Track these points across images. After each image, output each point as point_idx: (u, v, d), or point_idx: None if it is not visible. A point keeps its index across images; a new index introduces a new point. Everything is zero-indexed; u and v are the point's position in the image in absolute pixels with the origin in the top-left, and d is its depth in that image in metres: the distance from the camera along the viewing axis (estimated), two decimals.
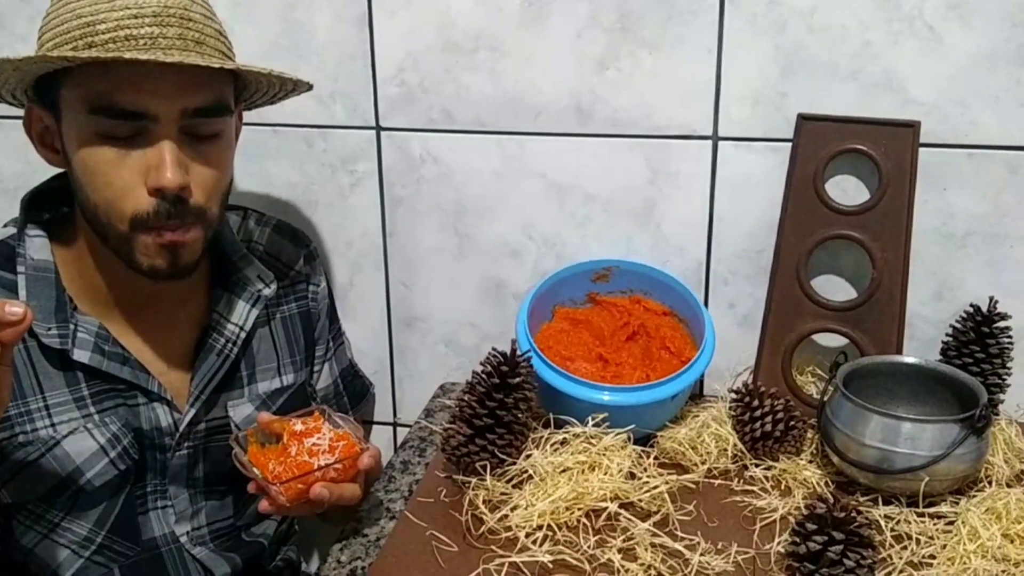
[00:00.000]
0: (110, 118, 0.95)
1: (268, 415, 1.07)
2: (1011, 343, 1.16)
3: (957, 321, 1.18)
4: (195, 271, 1.06)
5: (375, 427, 1.47)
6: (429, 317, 1.40)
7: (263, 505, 1.01)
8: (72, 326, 1.04)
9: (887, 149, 1.17)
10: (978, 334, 1.15)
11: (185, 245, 1.01)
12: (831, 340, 1.25)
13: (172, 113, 0.97)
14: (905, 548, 0.97)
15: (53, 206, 1.11)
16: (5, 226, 1.10)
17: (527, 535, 0.99)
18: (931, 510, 1.02)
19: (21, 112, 1.07)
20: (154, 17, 0.95)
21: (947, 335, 1.19)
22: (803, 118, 1.19)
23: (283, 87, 1.12)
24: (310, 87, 1.11)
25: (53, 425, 1.04)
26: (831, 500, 0.93)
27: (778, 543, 0.99)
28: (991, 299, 1.16)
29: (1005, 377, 1.16)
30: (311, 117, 1.33)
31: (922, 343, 1.23)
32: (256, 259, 1.19)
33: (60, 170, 1.08)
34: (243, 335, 1.15)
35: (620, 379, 1.19)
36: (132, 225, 0.98)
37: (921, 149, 1.17)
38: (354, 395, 1.37)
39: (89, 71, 0.95)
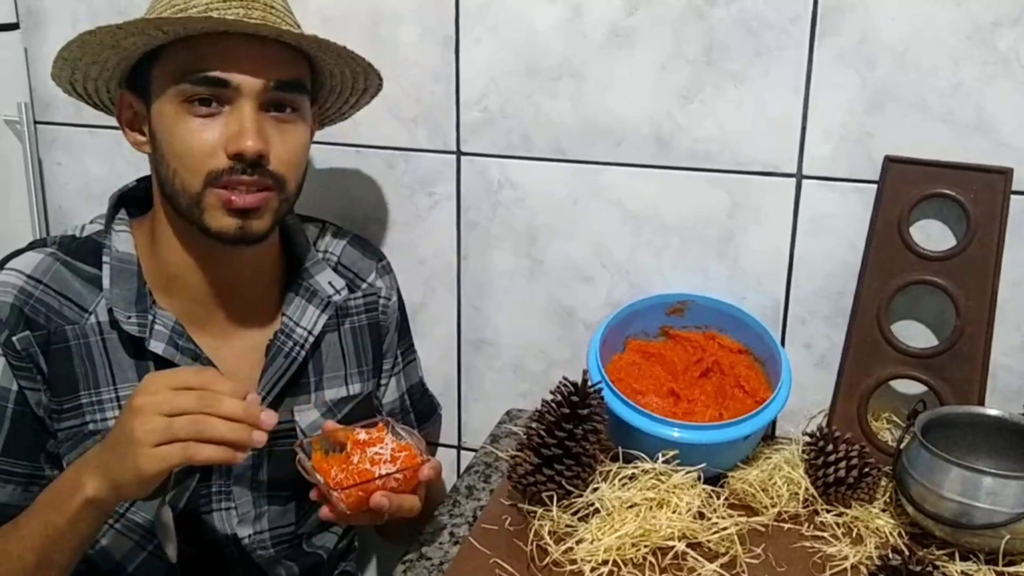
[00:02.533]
0: (195, 84, 1.01)
1: (334, 423, 1.09)
2: None
3: None
4: (264, 240, 1.09)
5: (439, 449, 1.47)
6: (498, 340, 1.40)
7: (324, 511, 1.02)
8: (151, 317, 1.08)
9: (976, 195, 1.14)
10: None
11: (256, 211, 1.04)
12: (909, 387, 1.22)
13: (255, 84, 1.02)
14: None
15: (137, 206, 1.15)
16: (92, 222, 1.14)
17: (592, 570, 0.98)
18: (1011, 569, 0.99)
19: (106, 121, 1.11)
20: (241, 0, 1.01)
21: None
22: (890, 160, 1.17)
23: (354, 87, 1.17)
24: (380, 84, 1.16)
25: None
26: (907, 552, 0.91)
27: None
28: None
29: None
30: (393, 139, 1.35)
31: (1005, 395, 1.19)
32: (329, 267, 1.21)
33: (143, 175, 1.14)
34: (311, 339, 1.17)
35: (692, 416, 1.18)
36: (206, 181, 1.03)
37: (1013, 196, 1.14)
38: (421, 413, 1.37)
39: (181, 46, 1.01)
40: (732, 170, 1.23)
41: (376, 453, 1.02)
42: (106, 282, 1.08)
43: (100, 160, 1.50)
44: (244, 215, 1.04)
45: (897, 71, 1.15)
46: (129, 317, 1.07)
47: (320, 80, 1.14)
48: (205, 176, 1.02)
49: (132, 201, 1.15)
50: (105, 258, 1.09)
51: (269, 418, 0.93)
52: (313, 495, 1.03)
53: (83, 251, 1.10)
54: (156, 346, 1.07)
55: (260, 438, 0.92)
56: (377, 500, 0.99)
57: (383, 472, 1.00)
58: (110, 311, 1.07)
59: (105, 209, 1.14)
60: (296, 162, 1.08)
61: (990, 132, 1.14)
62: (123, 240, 1.11)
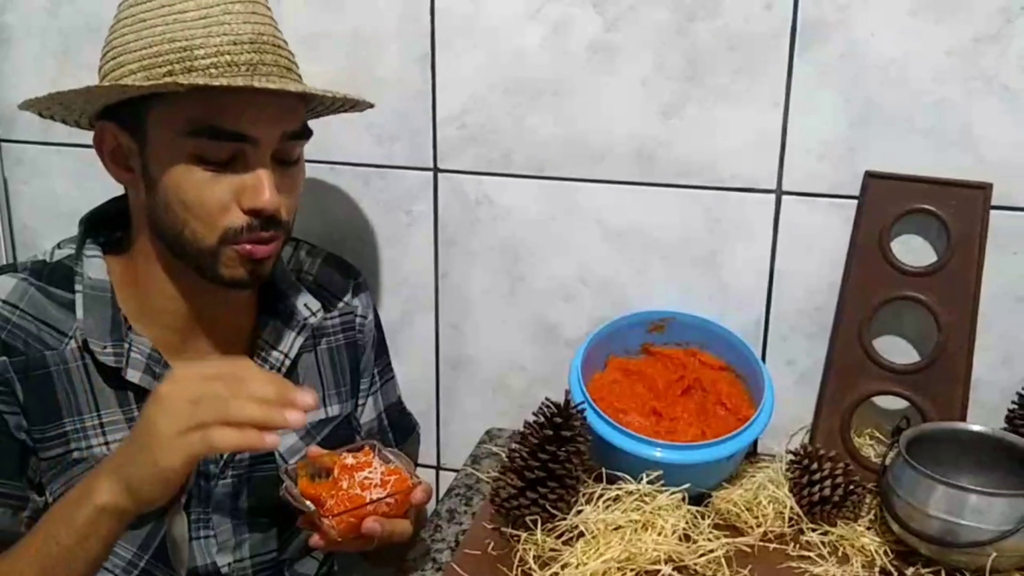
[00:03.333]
0: (211, 139, 0.98)
1: (318, 449, 1.07)
2: None
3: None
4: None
5: (419, 470, 1.45)
6: (478, 359, 1.39)
7: (314, 540, 1.00)
8: (126, 345, 1.05)
9: (957, 210, 1.15)
10: None
11: (269, 258, 1.05)
12: (891, 403, 1.22)
13: (272, 137, 1.00)
14: None
15: (109, 229, 1.12)
16: (60, 246, 1.11)
17: None
18: None
19: (77, 139, 1.07)
20: (251, 44, 0.98)
21: (1013, 403, 1.15)
22: (870, 175, 1.17)
23: (343, 106, 1.15)
24: (370, 105, 1.14)
25: (107, 443, 1.04)
26: (894, 573, 0.90)
27: None
28: None
29: None
30: (370, 156, 1.33)
31: (987, 410, 1.19)
32: (305, 288, 1.19)
33: (116, 194, 1.11)
34: (287, 362, 1.15)
35: (674, 434, 1.17)
36: (222, 239, 1.01)
37: (992, 211, 1.14)
38: (399, 433, 1.35)
39: (190, 95, 0.96)
40: (713, 186, 1.23)
41: (366, 478, 1.00)
42: (79, 311, 1.05)
43: (68, 179, 1.47)
44: (257, 263, 1.03)
45: (878, 87, 1.15)
46: (104, 347, 1.04)
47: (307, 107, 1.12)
48: (221, 233, 1.00)
49: (102, 223, 1.12)
50: (78, 286, 1.06)
51: (308, 397, 0.87)
52: (301, 523, 1.01)
53: (54, 277, 1.07)
54: (133, 375, 1.05)
55: (297, 418, 0.86)
56: (369, 526, 0.97)
57: (374, 497, 0.98)
58: (84, 341, 1.04)
59: (73, 230, 1.11)
60: (297, 204, 1.08)
61: (970, 148, 1.14)
62: (95, 266, 1.08)
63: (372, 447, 1.05)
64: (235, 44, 0.97)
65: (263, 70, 0.98)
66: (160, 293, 1.08)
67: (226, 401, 0.86)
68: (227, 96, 0.96)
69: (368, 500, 0.98)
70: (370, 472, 1.00)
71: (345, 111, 1.19)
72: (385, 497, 0.98)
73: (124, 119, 1.02)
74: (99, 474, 0.91)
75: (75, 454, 1.04)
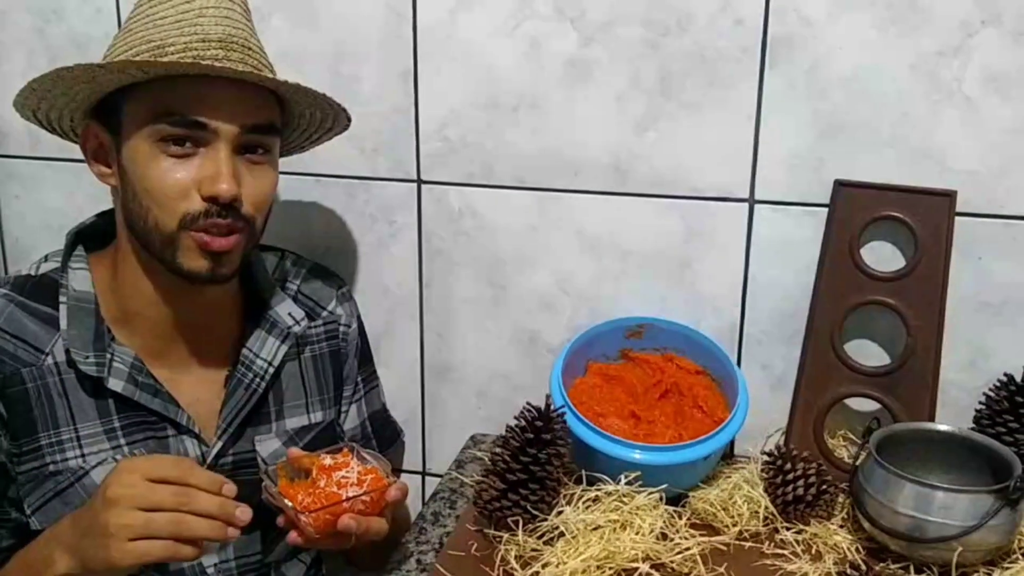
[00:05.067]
0: (172, 126, 1.02)
1: (298, 450, 1.09)
2: None
3: (991, 390, 1.18)
4: (231, 280, 1.11)
5: (404, 476, 1.48)
6: (462, 368, 1.42)
7: (292, 537, 1.02)
8: (109, 355, 1.08)
9: (923, 217, 1.18)
10: (1012, 403, 1.15)
11: (228, 252, 1.06)
12: (863, 404, 1.26)
13: (232, 128, 1.03)
14: None
15: (95, 242, 1.15)
16: (47, 259, 1.14)
17: None
18: None
19: (64, 153, 1.09)
20: (220, 42, 1.02)
21: (980, 403, 1.19)
22: (840, 184, 1.20)
23: (321, 125, 1.18)
24: (348, 124, 1.18)
25: (83, 456, 1.07)
26: (863, 567, 0.93)
27: None
28: None
29: None
30: (354, 168, 1.36)
31: (955, 410, 1.23)
32: (289, 297, 1.22)
33: (103, 209, 1.15)
34: (271, 370, 1.18)
35: (652, 437, 1.20)
36: (180, 224, 1.03)
37: (957, 218, 1.18)
38: (383, 440, 1.38)
39: (158, 85, 1.02)
40: (687, 196, 1.26)
41: (343, 477, 1.03)
42: (63, 323, 1.08)
43: (58, 193, 1.50)
44: (216, 257, 1.05)
45: (845, 99, 1.18)
46: (87, 357, 1.06)
47: (289, 119, 1.16)
48: (180, 218, 1.03)
49: (90, 237, 1.15)
50: (62, 298, 1.09)
51: (244, 514, 0.94)
52: (280, 521, 1.03)
53: (38, 291, 1.10)
54: (115, 384, 1.07)
55: (234, 534, 0.93)
56: (345, 522, 0.99)
57: (350, 495, 1.01)
58: (67, 352, 1.06)
59: (62, 244, 1.14)
60: (266, 202, 1.10)
61: (936, 158, 1.18)
62: (80, 278, 1.10)
63: (351, 449, 1.08)
64: (203, 42, 1.01)
65: (228, 65, 1.02)
66: (141, 297, 1.11)
67: (178, 521, 0.90)
68: (190, 86, 1.01)
69: (344, 497, 1.00)
70: (347, 472, 1.03)
71: (326, 136, 1.22)
72: (361, 495, 1.01)
73: (104, 117, 1.07)
74: (58, 545, 0.95)
75: (50, 467, 1.06)
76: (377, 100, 1.33)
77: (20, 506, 1.07)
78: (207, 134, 1.02)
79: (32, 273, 1.12)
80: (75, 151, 1.13)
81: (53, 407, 1.07)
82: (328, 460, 1.05)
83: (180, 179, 1.02)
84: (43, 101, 1.08)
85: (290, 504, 1.00)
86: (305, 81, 1.07)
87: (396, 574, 1.08)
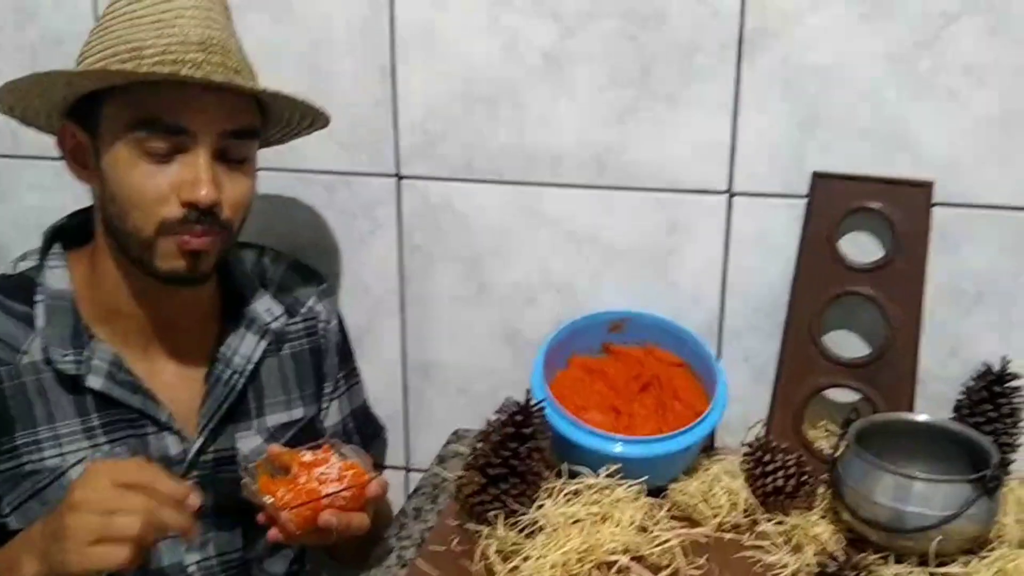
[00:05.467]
0: (152, 132, 1.01)
1: (278, 447, 1.09)
2: (1023, 403, 1.16)
3: (970, 380, 1.18)
4: (208, 280, 1.11)
5: (387, 472, 1.47)
6: (444, 363, 1.42)
7: (272, 533, 1.01)
8: (88, 353, 1.07)
9: (901, 208, 1.19)
10: (991, 393, 1.15)
11: (206, 252, 1.06)
12: (843, 395, 1.26)
13: (211, 133, 1.03)
14: None
15: (74, 240, 1.14)
16: (24, 257, 1.14)
17: None
18: (942, 570, 1.02)
19: (42, 152, 1.09)
20: (199, 45, 1.01)
21: (960, 393, 1.19)
22: (817, 176, 1.21)
23: (300, 123, 1.18)
24: (327, 122, 1.17)
25: (62, 455, 1.06)
26: (842, 558, 0.94)
27: None
28: (1003, 359, 1.17)
29: (1017, 437, 1.16)
30: (332, 164, 1.36)
31: (934, 401, 1.23)
32: (268, 294, 1.22)
33: (80, 207, 1.14)
34: (250, 367, 1.17)
35: (632, 430, 1.20)
36: (159, 230, 1.03)
37: (935, 208, 1.18)
38: (365, 436, 1.38)
39: (136, 89, 1.01)
40: (666, 189, 1.26)
41: (323, 473, 1.02)
42: (40, 322, 1.07)
43: (36, 191, 1.49)
44: (194, 256, 1.05)
45: (822, 91, 1.19)
46: (65, 355, 1.06)
47: (268, 120, 1.15)
48: (158, 223, 1.03)
49: (67, 234, 1.14)
50: (39, 297, 1.09)
51: (196, 531, 0.94)
52: (261, 518, 1.03)
53: (14, 290, 1.09)
54: (94, 381, 1.07)
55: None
56: (325, 518, 0.99)
57: (330, 491, 1.01)
58: (44, 350, 1.06)
59: (39, 243, 1.13)
60: (244, 207, 1.09)
61: (914, 148, 1.18)
62: (57, 276, 1.10)
63: (332, 444, 1.07)
64: (182, 44, 1.00)
65: (207, 69, 1.01)
66: (120, 294, 1.10)
67: (135, 523, 0.88)
68: (170, 91, 1.00)
69: (324, 494, 1.00)
70: (327, 468, 1.03)
71: (305, 132, 1.21)
72: (341, 491, 1.01)
73: (82, 117, 1.06)
74: (28, 548, 0.93)
75: (27, 466, 1.05)
76: (355, 95, 1.32)
77: None
78: (186, 139, 1.02)
79: (9, 272, 1.12)
80: (54, 149, 1.12)
81: (30, 406, 1.06)
82: (308, 456, 1.05)
83: (159, 184, 1.02)
84: (20, 101, 1.07)
85: (270, 500, 1.00)
86: (282, 77, 1.07)
87: (377, 570, 1.08)
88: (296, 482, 1.02)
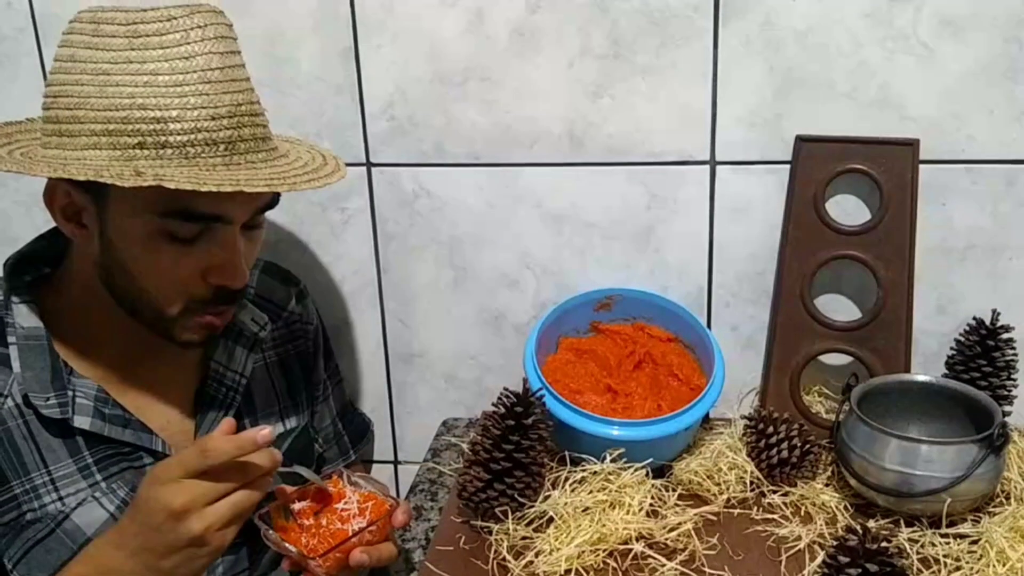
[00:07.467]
0: (186, 221, 0.94)
1: (288, 488, 1.02)
2: (1015, 355, 1.16)
3: (961, 334, 1.18)
4: None
5: (376, 466, 1.45)
6: (428, 352, 1.38)
7: None
8: (70, 392, 1.00)
9: (887, 168, 1.17)
10: (983, 347, 1.15)
11: (225, 323, 1.05)
12: (836, 359, 1.25)
13: (246, 215, 0.98)
14: (935, 574, 0.97)
15: (36, 268, 1.06)
16: None
17: None
18: (953, 531, 1.02)
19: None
20: (230, 119, 0.93)
21: (952, 349, 1.19)
22: (801, 139, 1.19)
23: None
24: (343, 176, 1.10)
25: (61, 499, 0.99)
26: (862, 531, 0.93)
27: (806, 575, 0.98)
28: (994, 312, 1.16)
29: (1012, 389, 1.16)
30: None
31: (927, 358, 1.23)
32: (249, 302, 1.16)
33: (43, 230, 1.07)
34: (243, 381, 1.13)
35: (630, 410, 1.18)
36: (184, 309, 0.99)
37: (921, 166, 1.17)
38: (354, 434, 1.34)
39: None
40: (647, 162, 1.23)
41: (343, 509, 0.98)
42: (16, 365, 0.99)
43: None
44: (213, 328, 1.03)
45: (801, 53, 1.16)
46: (48, 399, 0.98)
47: None
48: (184, 303, 0.98)
49: (29, 263, 1.06)
50: (11, 338, 1.00)
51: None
52: (285, 565, 0.98)
53: None
54: (82, 421, 0.99)
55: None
56: (357, 558, 0.95)
57: (356, 527, 0.96)
58: (25, 396, 0.98)
59: None
60: (255, 258, 1.06)
61: (895, 106, 1.16)
62: (26, 314, 1.01)
63: (339, 474, 1.02)
64: (213, 119, 0.92)
65: (241, 147, 0.94)
66: (99, 326, 1.03)
67: (240, 503, 0.89)
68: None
69: (351, 532, 0.96)
70: (346, 503, 0.98)
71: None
72: (367, 527, 0.96)
73: (81, 182, 0.92)
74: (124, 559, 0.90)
75: (28, 515, 0.99)
76: (317, 82, 1.27)
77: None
78: (219, 224, 0.95)
79: None
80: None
81: (19, 453, 0.99)
82: (320, 492, 1.00)
83: (188, 267, 0.96)
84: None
85: (294, 550, 0.95)
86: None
87: (383, 574, 1.05)
88: (319, 524, 0.97)
